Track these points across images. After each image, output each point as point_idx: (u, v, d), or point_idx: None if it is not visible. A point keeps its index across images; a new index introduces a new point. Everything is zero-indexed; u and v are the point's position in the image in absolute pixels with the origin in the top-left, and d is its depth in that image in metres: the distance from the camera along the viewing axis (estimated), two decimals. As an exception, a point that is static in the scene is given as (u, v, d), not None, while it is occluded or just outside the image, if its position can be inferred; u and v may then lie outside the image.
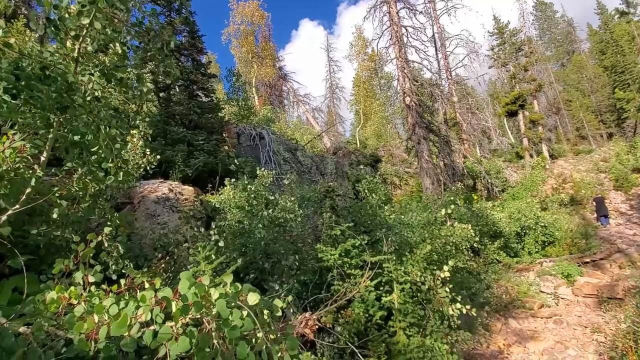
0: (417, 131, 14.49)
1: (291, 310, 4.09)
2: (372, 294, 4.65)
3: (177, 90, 10.15)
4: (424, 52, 16.76)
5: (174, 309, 1.53)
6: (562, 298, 8.88)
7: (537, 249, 12.17)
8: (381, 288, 4.94)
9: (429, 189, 13.83)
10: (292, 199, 5.27)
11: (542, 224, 12.60)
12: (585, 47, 48.17)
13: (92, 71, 2.97)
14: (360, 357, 3.97)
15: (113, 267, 3.24)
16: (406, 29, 16.07)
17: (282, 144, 12.33)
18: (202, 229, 4.04)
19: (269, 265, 4.92)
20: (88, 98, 2.87)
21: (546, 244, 12.36)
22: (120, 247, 3.31)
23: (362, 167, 15.31)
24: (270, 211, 4.94)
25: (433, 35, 23.98)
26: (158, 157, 5.91)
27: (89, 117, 2.81)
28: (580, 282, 9.33)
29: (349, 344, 4.14)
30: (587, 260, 11.14)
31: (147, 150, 5.98)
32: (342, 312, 4.55)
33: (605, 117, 40.76)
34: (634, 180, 20.45)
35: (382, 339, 4.39)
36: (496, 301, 8.50)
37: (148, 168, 5.74)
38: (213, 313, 1.52)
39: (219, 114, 10.64)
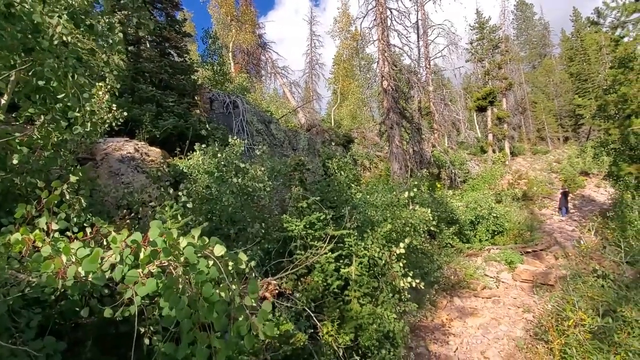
0: (391, 116, 14.78)
1: (253, 275, 4.25)
2: (331, 265, 4.91)
3: (148, 46, 9.59)
4: (406, 37, 16.86)
5: (142, 255, 1.62)
6: (502, 282, 9.76)
7: (487, 237, 13.13)
8: (341, 261, 5.22)
9: (397, 173, 14.33)
10: (262, 169, 5.33)
11: (495, 215, 13.56)
12: (556, 52, 50.39)
13: (60, 14, 2.80)
14: (315, 320, 4.26)
15: (75, 219, 3.19)
16: (391, 11, 15.99)
17: (256, 115, 12.12)
18: (171, 191, 4.03)
19: (234, 231, 5.02)
20: (55, 42, 2.72)
21: (496, 233, 13.36)
22: (82, 200, 3.26)
23: (334, 146, 15.47)
24: (239, 179, 4.98)
25: (417, 21, 24.01)
26: (125, 114, 5.67)
27: (55, 62, 2.68)
28: (520, 268, 10.28)
29: (306, 308, 4.41)
30: (529, 250, 12.25)
31: (114, 105, 5.72)
32: (302, 279, 4.79)
33: (564, 122, 43.52)
34: (580, 182, 22.31)
35: (337, 305, 4.71)
36: (445, 281, 9.20)
37: (114, 124, 5.50)
38: (181, 260, 1.62)
39: (192, 76, 10.20)
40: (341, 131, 19.51)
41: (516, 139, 36.26)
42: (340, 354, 4.18)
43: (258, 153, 6.31)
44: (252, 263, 4.52)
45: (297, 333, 3.54)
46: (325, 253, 4.89)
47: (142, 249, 1.63)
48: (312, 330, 4.31)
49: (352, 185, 6.50)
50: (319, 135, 16.33)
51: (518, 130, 39.56)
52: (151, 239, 1.51)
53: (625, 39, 12.35)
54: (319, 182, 5.91)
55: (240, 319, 1.41)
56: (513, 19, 49.73)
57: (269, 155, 6.78)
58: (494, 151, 28.28)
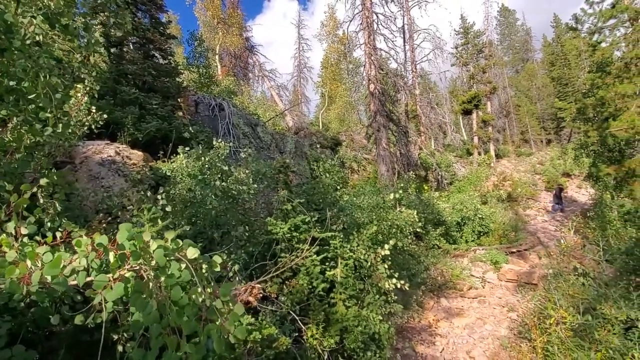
0: (378, 119, 14.90)
1: (237, 279, 4.20)
2: (317, 268, 4.89)
3: (131, 48, 9.44)
4: (392, 41, 17.06)
5: (111, 259, 1.57)
6: (488, 282, 9.88)
7: (473, 238, 13.31)
8: (327, 263, 5.20)
9: (384, 176, 14.43)
10: (247, 171, 5.28)
11: (480, 216, 13.76)
12: (538, 57, 51.77)
13: (35, 14, 2.73)
14: (300, 323, 4.22)
15: (49, 224, 3.09)
16: (377, 16, 16.17)
17: (243, 117, 12.02)
18: (150, 194, 3.95)
19: (218, 235, 4.95)
20: (28, 42, 2.64)
21: (481, 234, 13.55)
22: (57, 205, 3.16)
23: (321, 148, 15.48)
24: (223, 182, 4.92)
25: (403, 25, 24.36)
26: (105, 116, 5.54)
27: (27, 63, 2.60)
28: (505, 268, 10.44)
29: (291, 312, 4.37)
30: (514, 250, 12.46)
31: (93, 107, 5.59)
32: (287, 282, 4.75)
33: (547, 124, 44.67)
34: (562, 183, 22.88)
35: (323, 308, 4.68)
36: (432, 282, 9.27)
37: (93, 127, 5.37)
38: (152, 264, 1.58)
39: (177, 78, 10.08)
40: (329, 134, 19.56)
41: (501, 142, 37.03)
42: (325, 357, 4.15)
43: (243, 156, 6.25)
44: (236, 267, 4.48)
45: (281, 337, 3.50)
46: (310, 255, 4.87)
47: (112, 253, 1.58)
48: (296, 334, 4.27)
49: (338, 187, 6.50)
50: (306, 138, 16.33)
51: (503, 133, 40.43)
52: (119, 242, 1.47)
53: (603, 44, 12.77)
54: (304, 184, 5.89)
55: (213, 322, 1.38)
56: (496, 24, 50.97)
57: (254, 158, 6.73)
58: (479, 153, 28.78)
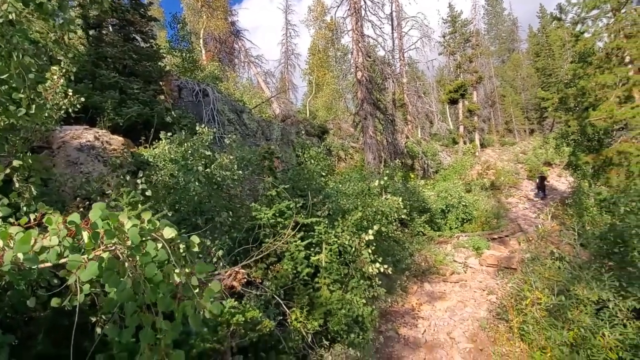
0: (365, 107, 14.88)
1: (221, 264, 4.19)
2: (301, 253, 4.93)
3: (111, 30, 9.08)
4: (380, 28, 16.93)
5: (85, 238, 1.54)
6: (470, 267, 10.18)
7: (457, 225, 13.62)
8: (311, 249, 5.25)
9: (371, 164, 14.50)
10: (231, 157, 5.22)
11: (464, 204, 14.07)
12: (524, 48, 52.28)
13: (7, -9, 2.58)
14: (285, 307, 4.27)
15: (24, 208, 3.01)
16: (365, 2, 15.98)
17: (228, 104, 11.80)
18: (129, 179, 3.86)
19: (202, 221, 4.91)
20: (0, 20, 2.51)
21: (465, 221, 13.88)
22: (33, 189, 3.07)
23: (308, 137, 15.40)
24: (205, 168, 4.86)
25: (391, 12, 24.13)
26: (83, 100, 5.35)
27: (0, 42, 2.47)
28: (486, 254, 10.75)
29: (275, 296, 4.41)
30: (495, 236, 12.83)
31: (70, 90, 5.39)
32: (271, 268, 4.78)
33: (530, 115, 45.51)
34: (543, 171, 23.51)
35: (307, 292, 4.74)
36: (416, 267, 9.48)
37: (70, 111, 5.18)
38: (127, 244, 1.55)
39: (159, 62, 9.78)
40: (316, 122, 19.45)
41: (486, 131, 37.60)
42: (309, 339, 4.22)
43: (228, 142, 6.17)
44: (220, 252, 4.47)
45: (265, 320, 3.54)
46: (295, 241, 4.90)
47: (85, 233, 1.55)
48: (281, 317, 4.33)
49: (324, 174, 6.51)
50: (293, 125, 16.20)
51: (488, 123, 41.01)
52: (92, 221, 1.44)
53: (585, 35, 12.97)
54: (289, 169, 5.87)
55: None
56: (484, 13, 51.09)
57: (239, 145, 6.65)
58: (464, 143, 29.18)
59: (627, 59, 11.55)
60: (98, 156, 5.52)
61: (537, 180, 19.54)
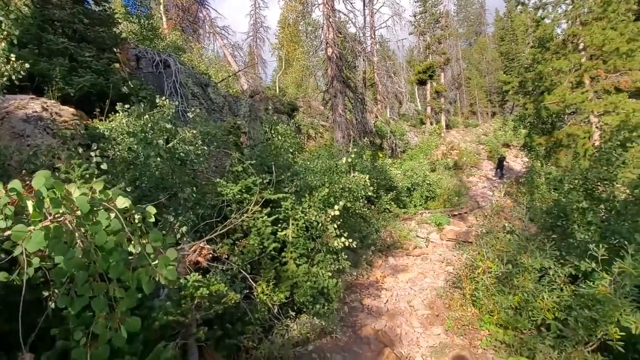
0: (335, 84, 14.77)
1: (185, 239, 4.13)
2: (268, 229, 4.95)
3: (57, -12, 8.19)
4: (351, 3, 16.62)
5: (29, 207, 1.45)
6: (431, 241, 10.74)
7: (421, 203, 14.20)
8: (279, 224, 5.29)
9: (340, 142, 14.59)
10: (194, 132, 5.04)
11: (429, 182, 14.64)
12: (490, 31, 53.65)
13: None
14: (251, 281, 4.32)
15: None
16: (336, -25, 15.51)
17: (192, 77, 11.20)
18: (82, 151, 3.63)
19: (164, 197, 4.76)
20: None
21: (428, 198, 14.49)
22: (-31, 161, 2.81)
23: (276, 113, 15.10)
24: (167, 142, 4.66)
25: (363, -12, 23.70)
26: (27, 66, 4.87)
27: None
28: (447, 229, 11.37)
29: (242, 270, 4.44)
30: (456, 213, 13.56)
31: (12, 55, 4.89)
32: (237, 243, 4.78)
33: (493, 98, 47.41)
34: (502, 152, 24.86)
35: (274, 266, 4.81)
36: (381, 243, 9.85)
37: (14, 78, 4.72)
38: (77, 214, 1.49)
39: (114, 29, 9.02)
40: (286, 99, 19.07)
41: (452, 113, 38.81)
42: (275, 310, 4.33)
43: (191, 116, 5.93)
44: (184, 229, 4.39)
45: (230, 293, 3.57)
46: (262, 217, 4.91)
47: (30, 202, 1.46)
48: (247, 291, 4.38)
49: (292, 150, 6.48)
50: (262, 102, 15.79)
51: (454, 105, 42.31)
52: (36, 189, 1.35)
53: (546, 21, 13.51)
54: (256, 145, 5.78)
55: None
56: (454, -6, 51.46)
57: (204, 119, 6.41)
58: (431, 123, 30.01)
59: (581, 46, 12.23)
60: (47, 128, 5.10)
61: (497, 161, 20.73)
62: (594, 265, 3.98)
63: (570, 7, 12.57)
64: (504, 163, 20.58)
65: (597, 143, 11.31)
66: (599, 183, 6.20)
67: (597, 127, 11.94)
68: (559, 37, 13.37)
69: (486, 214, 11.78)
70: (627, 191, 5.41)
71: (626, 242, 4.02)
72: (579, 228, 5.47)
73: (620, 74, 11.23)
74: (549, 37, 13.31)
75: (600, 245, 4.01)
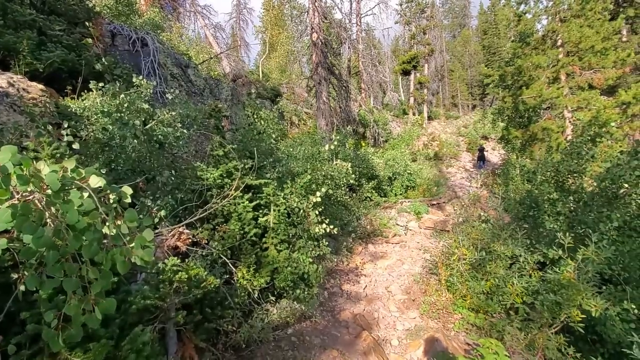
0: (320, 71, 14.59)
1: (163, 223, 4.04)
2: (249, 214, 4.92)
3: (23, -46, 7.60)
4: (338, -11, 16.31)
5: (-7, 185, 1.37)
6: (410, 229, 10.99)
7: (401, 192, 14.46)
8: (260, 210, 5.25)
9: (323, 129, 14.53)
10: (173, 113, 4.88)
11: (409, 172, 14.90)
12: (474, 24, 54.27)
13: None
14: (231, 266, 4.30)
15: None
16: (323, -42, 15.13)
17: (171, 57, 10.76)
18: (52, 129, 3.44)
19: (141, 180, 4.63)
20: None
21: (409, 188, 14.77)
22: None
23: (259, 98, 14.83)
24: (145, 125, 4.49)
25: (350, -27, 23.30)
26: (-10, 37, 4.54)
27: None
28: (425, 218, 11.66)
29: (222, 255, 4.41)
30: (434, 202, 13.90)
31: (-28, 25, 4.53)
32: (217, 228, 4.72)
33: (474, 90, 48.34)
34: (483, 144, 25.52)
35: (254, 252, 4.80)
36: (362, 230, 10.00)
37: (-26, 49, 4.38)
38: (48, 192, 1.42)
39: (87, 1, 8.52)
40: (269, 84, 18.74)
41: (434, 104, 39.34)
42: (256, 295, 4.34)
43: (170, 97, 5.73)
44: (162, 212, 4.29)
45: (209, 277, 3.55)
46: (243, 202, 4.86)
47: (-7, 179, 1.38)
48: (227, 276, 4.36)
49: (274, 136, 6.40)
50: (245, 86, 15.45)
51: (436, 96, 42.83)
52: (1, 164, 1.28)
53: (527, 16, 13.77)
54: (237, 129, 5.67)
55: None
56: (440, -15, 51.53)
57: (183, 101, 6.21)
58: (414, 114, 30.33)
59: (559, 42, 12.57)
60: (13, 105, 4.80)
61: (477, 152, 21.31)
62: (560, 252, 4.20)
63: (551, 3, 12.85)
64: (484, 153, 21.19)
65: (569, 137, 11.78)
66: (569, 175, 6.48)
67: (570, 122, 12.42)
68: (539, 33, 13.68)
69: (463, 203, 12.15)
70: (594, 184, 5.69)
71: (591, 231, 4.25)
72: (549, 218, 5.73)
73: (594, 71, 11.66)
74: (529, 32, 13.59)
75: (567, 234, 4.22)
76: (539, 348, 4.11)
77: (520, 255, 5.21)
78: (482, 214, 7.83)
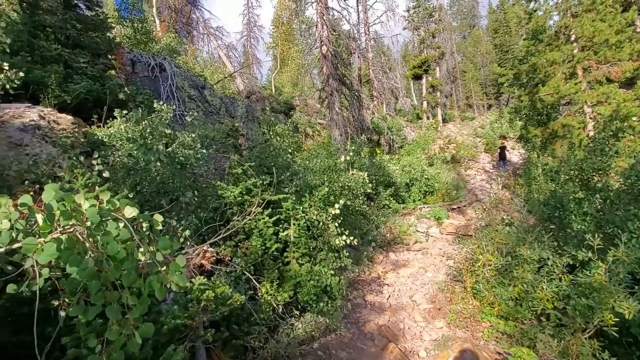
0: (331, 82, 14.78)
1: (188, 243, 4.17)
2: (270, 229, 5.00)
3: (48, -5, 8.16)
4: (345, 0, 16.59)
5: (39, 220, 1.49)
6: (431, 235, 10.82)
7: (419, 197, 14.29)
8: (280, 225, 5.34)
9: (337, 140, 14.63)
10: (193, 135, 5.07)
11: (426, 177, 14.73)
12: (484, 24, 53.67)
13: None
14: (255, 282, 4.37)
15: (-37, 194, 2.79)
16: (329, -27, 15.48)
17: (188, 79, 11.20)
18: (83, 160, 3.65)
19: (166, 202, 4.80)
20: None
21: (427, 193, 14.58)
22: (-29, 173, 2.84)
23: (273, 112, 15.11)
24: (166, 147, 4.69)
25: (356, -16, 23.66)
26: (22, 74, 4.88)
27: None
28: (446, 223, 11.46)
29: (245, 272, 4.49)
30: (454, 206, 13.66)
31: (5, 64, 4.88)
32: (240, 245, 4.82)
33: (489, 90, 47.50)
34: (498, 144, 24.94)
35: (277, 267, 4.86)
36: (382, 239, 9.93)
37: (8, 87, 4.72)
38: (86, 225, 1.53)
39: (108, 33, 9.01)
40: (282, 98, 19.07)
41: (448, 107, 38.91)
42: (280, 310, 4.38)
43: (189, 119, 5.95)
44: (187, 232, 4.43)
45: (235, 294, 3.62)
46: (263, 218, 4.95)
47: (40, 215, 1.51)
48: (252, 292, 4.43)
49: (290, 151, 6.52)
50: (259, 102, 15.80)
51: (449, 98, 42.38)
52: (46, 202, 1.40)
53: (538, 13, 13.57)
54: (254, 146, 5.81)
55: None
56: (447, -12, 51.41)
57: (201, 122, 6.43)
58: (427, 118, 30.06)
59: (573, 37, 12.29)
60: (45, 137, 5.12)
61: (498, 151, 20.75)
62: (590, 254, 4.06)
63: (562, -1, 12.64)
64: (505, 151, 20.64)
65: (591, 133, 11.40)
66: (594, 173, 6.28)
67: (590, 118, 12.03)
68: (552, 29, 13.43)
69: (485, 207, 11.89)
70: (620, 180, 5.49)
71: (619, 231, 4.10)
72: (576, 218, 5.55)
73: (610, 64, 11.32)
74: (541, 29, 13.36)
75: (596, 235, 4.09)
76: (573, 354, 3.95)
77: (549, 259, 5.05)
78: (505, 216, 7.65)
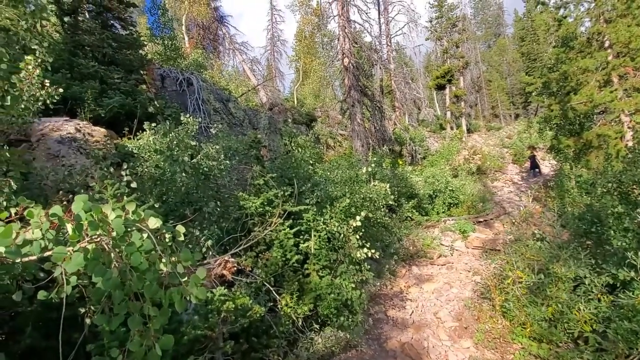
0: (353, 94, 14.84)
1: (210, 254, 4.22)
2: (290, 241, 4.99)
3: (87, 16, 8.75)
4: (367, 13, 16.77)
5: (69, 230, 1.54)
6: (456, 249, 10.44)
7: (443, 210, 13.89)
8: (300, 236, 5.32)
9: (359, 151, 14.58)
10: (217, 147, 5.19)
11: (451, 189, 14.32)
12: (510, 32, 52.53)
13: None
14: (275, 293, 4.35)
15: (4, 203, 2.96)
16: (351, -14, 15.72)
17: (214, 93, 11.60)
18: (113, 170, 3.82)
19: (190, 212, 4.91)
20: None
21: (452, 205, 14.16)
22: (12, 183, 3.02)
23: (294, 124, 15.30)
24: (192, 158, 4.82)
25: (377, -3, 23.87)
26: (61, 90, 5.19)
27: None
28: (472, 237, 11.04)
29: (266, 283, 4.48)
30: (481, 219, 13.15)
31: (47, 81, 5.22)
32: (261, 256, 4.83)
33: (516, 99, 46.12)
34: (527, 155, 24.00)
35: (297, 279, 4.82)
36: (404, 252, 9.67)
37: (48, 102, 5.04)
38: (112, 235, 1.57)
39: (140, 51, 9.52)
40: (304, 110, 19.31)
41: (472, 117, 37.98)
42: (300, 323, 4.32)
43: (214, 132, 6.11)
44: (209, 242, 4.49)
45: (255, 306, 3.61)
46: (284, 229, 4.95)
47: (69, 225, 1.56)
48: (271, 304, 4.41)
49: (311, 162, 6.54)
50: (281, 114, 16.06)
51: (474, 108, 41.39)
52: (75, 213, 1.45)
53: (568, 19, 13.10)
54: (276, 158, 5.87)
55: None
56: (470, -2, 50.94)
57: (225, 134, 6.59)
58: (451, 128, 29.45)
59: (607, 44, 11.76)
60: (80, 148, 5.40)
61: (529, 160, 19.96)
62: (632, 273, 3.76)
63: (593, 4, 12.16)
64: (537, 160, 19.81)
65: (629, 143, 10.74)
66: (634, 186, 5.88)
67: (629, 127, 11.36)
68: (583, 36, 12.92)
69: (514, 220, 11.39)
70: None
71: (667, 250, 3.79)
72: (615, 234, 5.18)
73: (650, 71, 10.70)
74: (572, 35, 12.88)
75: (639, 253, 3.79)
76: (617, 384, 3.63)
77: (586, 277, 4.74)
78: (536, 231, 7.29)
